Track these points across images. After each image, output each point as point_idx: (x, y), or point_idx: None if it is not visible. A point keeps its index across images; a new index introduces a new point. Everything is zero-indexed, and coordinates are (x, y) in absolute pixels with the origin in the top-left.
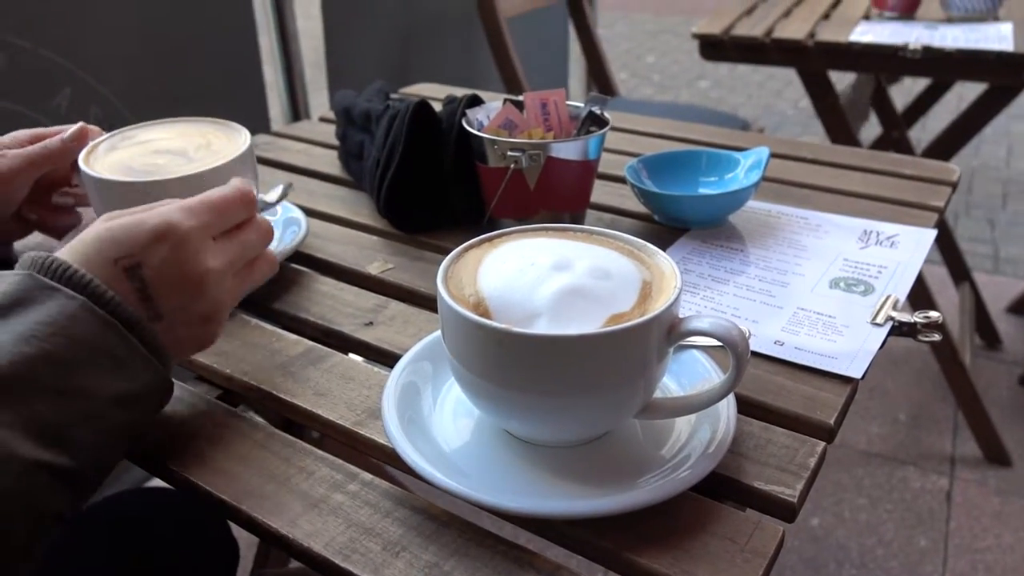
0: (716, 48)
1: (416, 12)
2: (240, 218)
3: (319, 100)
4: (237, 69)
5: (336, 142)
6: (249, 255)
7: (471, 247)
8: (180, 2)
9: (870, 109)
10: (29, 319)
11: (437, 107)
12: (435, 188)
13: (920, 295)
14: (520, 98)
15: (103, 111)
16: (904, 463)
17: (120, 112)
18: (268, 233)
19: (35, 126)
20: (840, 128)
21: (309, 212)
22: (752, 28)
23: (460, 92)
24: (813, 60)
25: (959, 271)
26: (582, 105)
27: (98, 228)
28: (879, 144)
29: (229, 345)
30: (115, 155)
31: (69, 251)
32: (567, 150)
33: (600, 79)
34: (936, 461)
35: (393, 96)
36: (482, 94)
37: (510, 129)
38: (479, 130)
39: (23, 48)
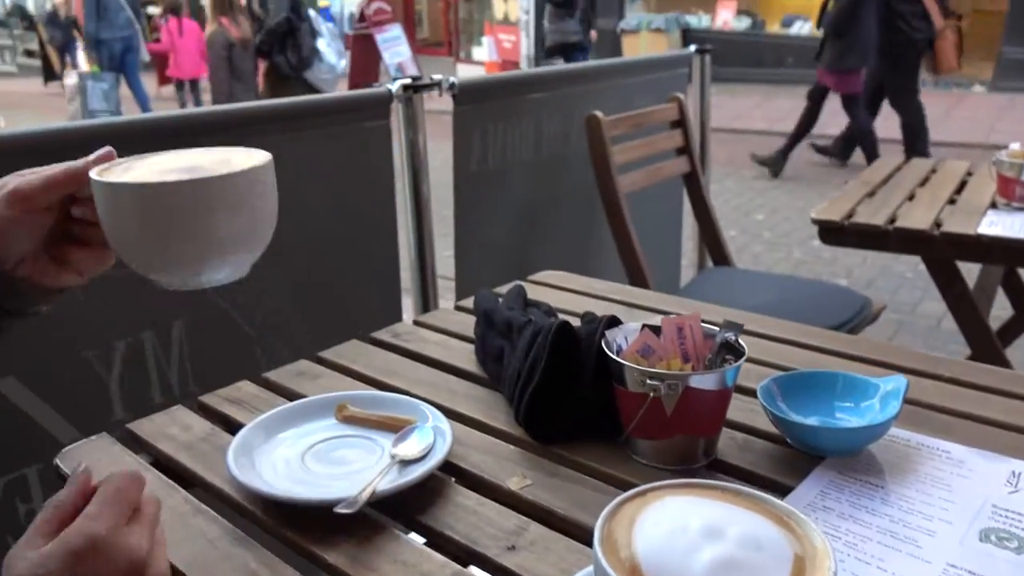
0: (836, 233)
1: (538, 192)
2: (138, 497)
3: (446, 286)
4: (376, 264)
5: (472, 334)
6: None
7: (625, 502)
8: (330, 198)
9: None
10: None
11: (566, 298)
12: (573, 404)
13: None
14: (657, 323)
15: (258, 283)
16: None
17: (269, 280)
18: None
19: (204, 302)
20: (972, 321)
21: (450, 413)
22: (874, 215)
23: (581, 280)
24: (939, 250)
25: None
26: (717, 329)
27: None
28: (1010, 327)
29: (380, 559)
30: (130, 173)
31: None
32: (705, 381)
33: (714, 247)
34: None
35: (530, 301)
36: (617, 307)
37: (648, 354)
38: (618, 354)
39: None
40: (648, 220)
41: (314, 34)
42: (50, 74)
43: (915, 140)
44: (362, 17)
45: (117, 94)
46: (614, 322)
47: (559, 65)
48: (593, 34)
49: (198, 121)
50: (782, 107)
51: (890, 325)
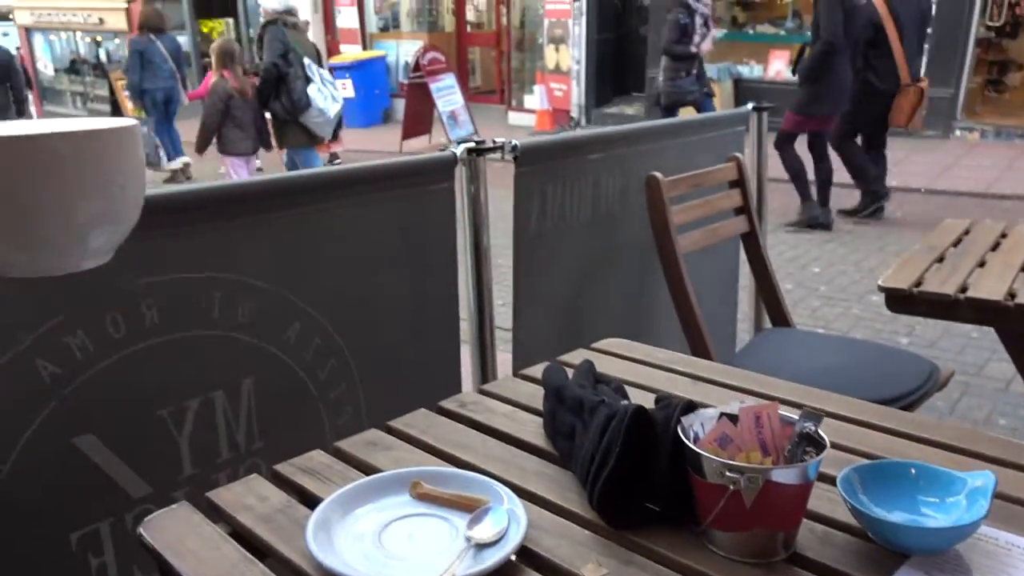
0: (904, 302)
1: (595, 249)
2: None
3: (502, 336)
4: (436, 321)
5: (539, 406)
6: None
7: None
8: (396, 256)
9: None
10: None
11: (632, 368)
12: (648, 490)
13: None
14: (734, 411)
15: (323, 342)
16: None
17: (336, 340)
18: None
19: (272, 362)
20: None
21: (521, 492)
22: (943, 283)
23: (644, 349)
24: (1015, 322)
25: None
26: (795, 418)
27: None
28: None
29: None
30: None
31: None
32: (786, 476)
33: (773, 308)
34: None
35: (599, 376)
36: (682, 379)
37: (725, 444)
38: (695, 442)
39: (266, 291)
40: (704, 277)
41: (307, 80)
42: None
43: (860, 182)
44: (417, 67)
45: (153, 137)
46: (689, 407)
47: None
48: (712, 88)
49: (275, 188)
50: (834, 157)
51: (956, 387)
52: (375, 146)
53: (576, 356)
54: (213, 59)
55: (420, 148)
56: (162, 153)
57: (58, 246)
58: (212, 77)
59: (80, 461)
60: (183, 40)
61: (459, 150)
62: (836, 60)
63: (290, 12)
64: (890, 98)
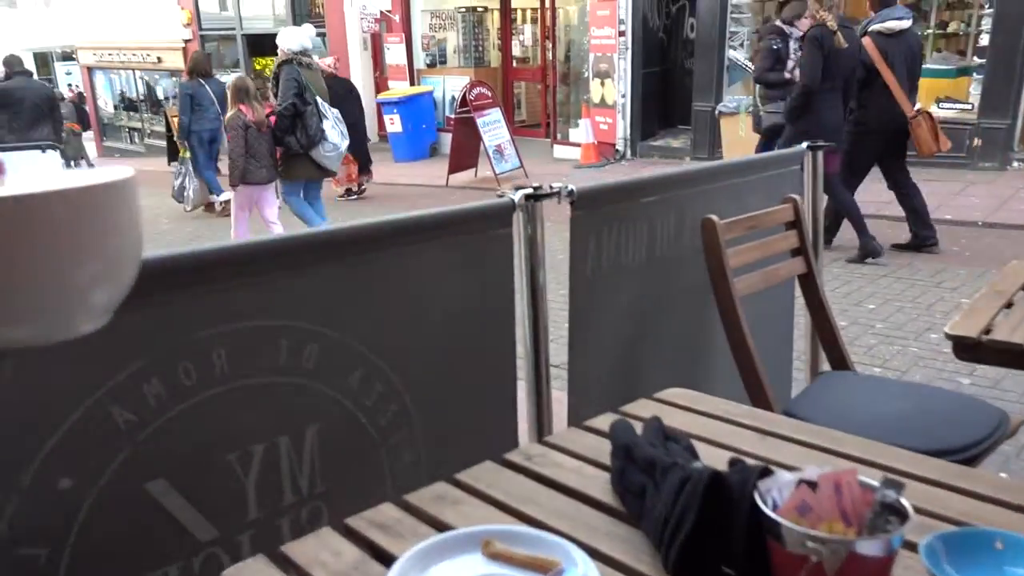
0: (972, 351)
1: (650, 291)
2: None
3: (555, 373)
4: (493, 364)
5: (604, 459)
6: None
7: None
8: (455, 302)
9: None
10: None
11: (697, 422)
12: (724, 555)
13: None
14: (813, 478)
15: (384, 388)
16: None
17: (398, 389)
18: None
19: (335, 408)
20: None
21: (593, 552)
22: (1013, 331)
23: (708, 401)
24: None
25: None
26: (875, 484)
27: None
28: None
29: None
30: None
31: None
32: (870, 547)
33: (832, 352)
34: None
35: (668, 434)
36: (749, 433)
37: (805, 512)
38: (773, 509)
39: (331, 337)
40: (759, 317)
41: (320, 117)
42: (173, 155)
43: (839, 218)
44: (464, 102)
45: (195, 178)
46: (765, 472)
47: (673, 167)
48: None
49: (341, 236)
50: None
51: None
52: (422, 180)
53: (639, 407)
54: (229, 95)
55: (466, 181)
56: (193, 189)
57: (58, 313)
58: (229, 111)
59: (151, 506)
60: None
61: (517, 196)
62: (817, 100)
63: (305, 53)
64: (886, 135)
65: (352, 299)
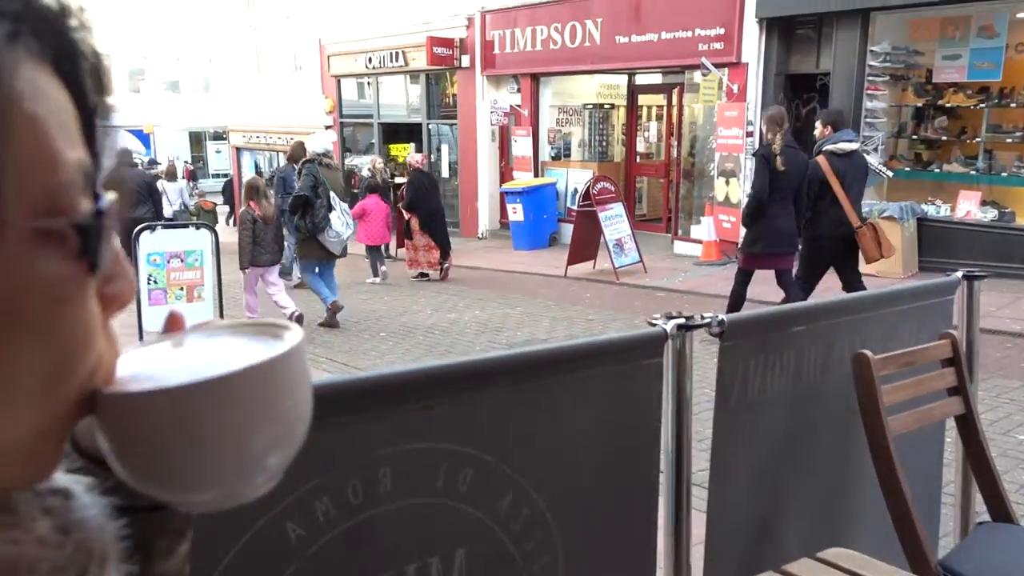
0: None
1: (796, 423)
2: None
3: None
4: (638, 498)
5: None
6: None
7: None
8: (602, 435)
9: None
10: None
11: None
12: None
13: None
14: None
15: (530, 513)
16: None
17: (544, 515)
18: None
19: (484, 531)
20: None
21: None
22: None
23: (873, 565)
24: None
25: None
26: None
27: None
28: None
29: None
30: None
31: None
32: None
33: (993, 501)
34: None
35: None
36: None
37: None
38: None
39: (485, 462)
40: (908, 458)
41: (330, 207)
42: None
43: None
44: (587, 195)
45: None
46: None
47: (828, 298)
48: None
49: (498, 365)
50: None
51: None
52: (540, 268)
53: (802, 567)
54: (243, 193)
55: (584, 273)
56: (295, 265)
57: (238, 480)
58: (240, 208)
59: None
60: (369, 159)
61: (669, 326)
62: (769, 209)
63: (327, 155)
64: (837, 244)
65: (506, 425)
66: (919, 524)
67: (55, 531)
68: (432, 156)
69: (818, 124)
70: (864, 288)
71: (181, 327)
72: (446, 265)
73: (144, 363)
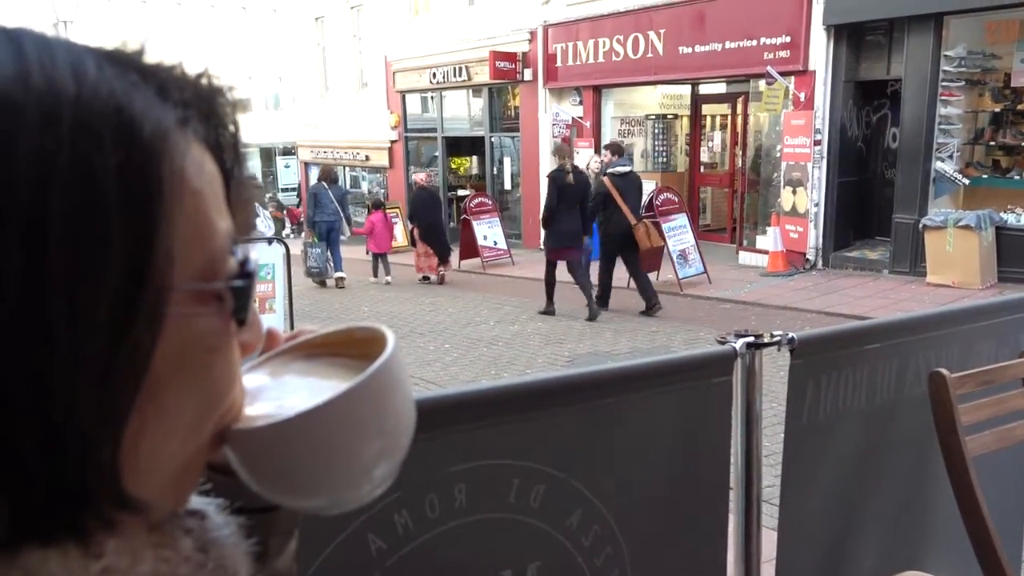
0: None
1: (868, 442)
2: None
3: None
4: (707, 516)
5: None
6: None
7: None
8: (671, 453)
9: None
10: None
11: None
12: None
13: None
14: None
15: (600, 530)
16: None
17: (613, 530)
18: None
19: (555, 547)
20: None
21: None
22: None
23: None
24: None
25: None
26: None
27: None
28: None
29: None
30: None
31: None
32: None
33: None
34: None
35: None
36: None
37: None
38: None
39: (556, 478)
40: (987, 480)
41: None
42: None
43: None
44: (650, 206)
45: (326, 256)
46: None
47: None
48: None
49: (570, 383)
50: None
51: None
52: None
53: None
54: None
55: None
56: (331, 267)
57: (349, 489)
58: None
59: None
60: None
61: (739, 344)
62: (557, 216)
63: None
64: (621, 238)
65: (577, 442)
66: (1000, 548)
67: (196, 550)
68: (494, 169)
69: (605, 152)
70: (642, 272)
71: (278, 343)
72: (442, 271)
73: (260, 392)
